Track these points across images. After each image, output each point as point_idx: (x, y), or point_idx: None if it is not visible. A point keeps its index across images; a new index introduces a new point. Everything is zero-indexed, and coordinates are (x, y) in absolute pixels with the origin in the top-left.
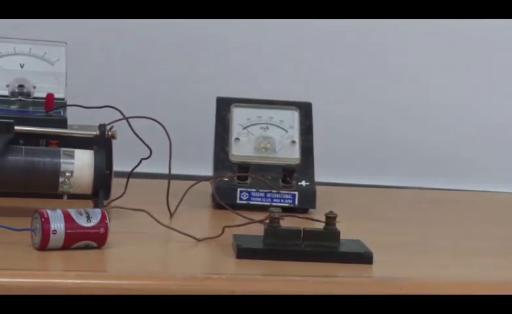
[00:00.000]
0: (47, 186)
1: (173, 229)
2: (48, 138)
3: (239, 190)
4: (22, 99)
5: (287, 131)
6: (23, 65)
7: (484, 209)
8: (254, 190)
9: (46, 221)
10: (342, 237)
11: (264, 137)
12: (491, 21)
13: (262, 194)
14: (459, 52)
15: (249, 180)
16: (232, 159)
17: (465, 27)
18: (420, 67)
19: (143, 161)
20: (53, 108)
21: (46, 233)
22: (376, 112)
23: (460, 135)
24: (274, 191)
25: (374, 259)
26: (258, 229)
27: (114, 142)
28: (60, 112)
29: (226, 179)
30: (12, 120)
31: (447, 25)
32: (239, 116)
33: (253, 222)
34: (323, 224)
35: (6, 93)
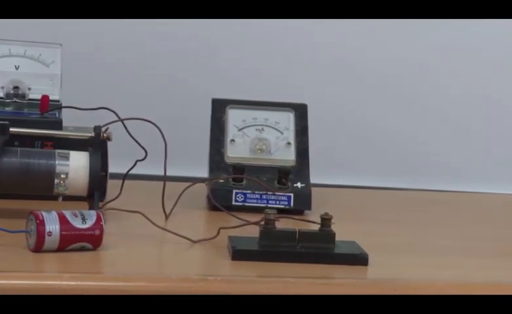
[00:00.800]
0: (42, 187)
1: (169, 231)
2: (43, 140)
3: (234, 191)
4: (17, 100)
5: (282, 133)
6: (18, 66)
7: (478, 210)
8: (249, 191)
9: (41, 223)
10: (337, 238)
11: (259, 139)
12: (490, 21)
13: (257, 196)
14: (456, 51)
15: (244, 182)
16: (228, 160)
17: (461, 28)
18: (415, 67)
19: (139, 163)
20: (48, 109)
21: (41, 235)
22: (371, 113)
23: (454, 136)
24: (269, 192)
25: (369, 260)
26: (253, 231)
27: (109, 143)
28: (55, 114)
29: (222, 181)
30: (7, 122)
31: (438, 26)
32: (234, 117)
33: (249, 223)
34: (319, 226)
35: (1, 94)
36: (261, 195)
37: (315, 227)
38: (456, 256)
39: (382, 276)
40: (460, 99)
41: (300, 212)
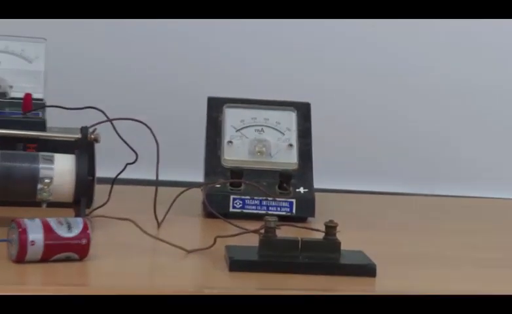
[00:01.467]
0: (25, 193)
1: (161, 240)
2: (26, 141)
3: (232, 197)
4: None
5: (283, 134)
6: (0, 62)
7: (491, 216)
8: (248, 197)
9: (23, 231)
10: (342, 247)
11: (259, 140)
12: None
13: (257, 202)
14: (464, 53)
15: (242, 187)
16: (225, 164)
17: (461, 28)
18: (421, 69)
19: (129, 167)
20: (31, 109)
21: (23, 244)
22: (376, 115)
23: (464, 139)
24: (269, 198)
25: (377, 271)
26: (252, 240)
27: (97, 146)
28: (39, 114)
29: (218, 186)
30: None
31: (440, 26)
32: (232, 117)
33: (247, 231)
34: (323, 234)
35: None
36: (261, 201)
37: (319, 235)
38: (470, 267)
39: (391, 288)
40: (468, 102)
41: (303, 220)
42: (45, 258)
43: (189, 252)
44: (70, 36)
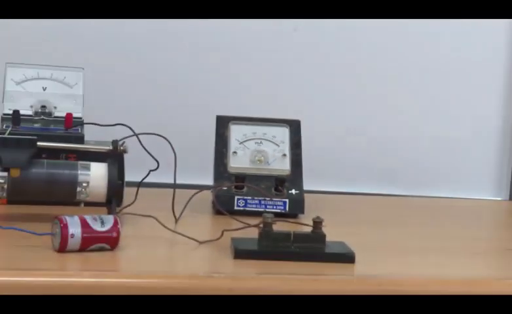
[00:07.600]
0: (66, 195)
1: (178, 233)
2: (67, 152)
3: (236, 197)
4: (44, 118)
5: (278, 146)
6: (46, 88)
7: (454, 213)
8: (249, 197)
9: (64, 226)
10: (327, 239)
11: (258, 151)
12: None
13: (257, 201)
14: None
15: (245, 189)
16: (230, 170)
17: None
18: (403, 78)
19: (151, 173)
20: (72, 126)
21: (64, 237)
22: (358, 129)
23: (434, 147)
24: (267, 198)
25: (356, 258)
26: (253, 233)
27: (125, 155)
28: (78, 130)
29: (225, 188)
30: (35, 137)
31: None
32: (236, 132)
33: (249, 226)
34: (311, 228)
35: (30, 112)
36: (260, 201)
37: (308, 229)
38: (435, 255)
39: (368, 272)
40: (434, 104)
41: (295, 216)
42: (82, 248)
43: (201, 243)
44: (104, 65)
